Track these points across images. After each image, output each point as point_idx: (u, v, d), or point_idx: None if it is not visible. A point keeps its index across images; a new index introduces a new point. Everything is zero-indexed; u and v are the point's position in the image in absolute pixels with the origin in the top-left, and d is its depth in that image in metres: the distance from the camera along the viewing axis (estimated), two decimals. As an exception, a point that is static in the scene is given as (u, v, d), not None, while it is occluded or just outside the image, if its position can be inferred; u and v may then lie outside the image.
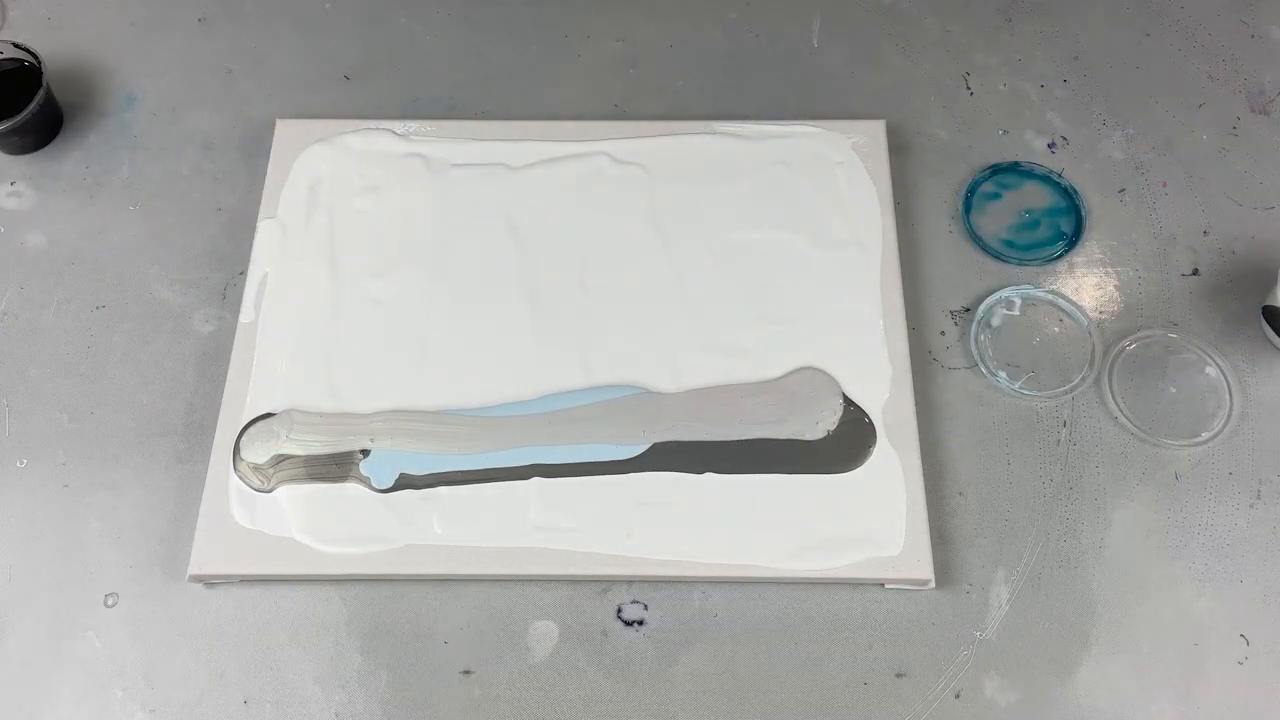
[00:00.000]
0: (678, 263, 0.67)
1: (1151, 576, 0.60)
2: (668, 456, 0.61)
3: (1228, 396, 0.64)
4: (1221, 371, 0.65)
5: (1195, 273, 0.69)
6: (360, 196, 0.70)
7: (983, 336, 0.66)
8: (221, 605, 0.60)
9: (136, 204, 0.72)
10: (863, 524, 0.59)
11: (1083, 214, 0.70)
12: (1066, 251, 0.69)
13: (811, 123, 0.72)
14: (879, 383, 0.63)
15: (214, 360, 0.66)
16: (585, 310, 0.66)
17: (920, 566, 0.58)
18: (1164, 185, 0.72)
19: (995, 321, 0.67)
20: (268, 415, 0.62)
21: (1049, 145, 0.74)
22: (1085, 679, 0.57)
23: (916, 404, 0.62)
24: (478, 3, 0.81)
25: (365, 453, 0.61)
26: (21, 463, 0.64)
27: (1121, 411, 0.64)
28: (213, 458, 0.61)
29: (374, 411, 0.62)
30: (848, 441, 0.61)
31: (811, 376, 0.63)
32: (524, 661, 0.58)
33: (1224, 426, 0.63)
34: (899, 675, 0.58)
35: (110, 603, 0.60)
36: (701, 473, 0.61)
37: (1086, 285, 0.68)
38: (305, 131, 0.72)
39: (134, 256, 0.70)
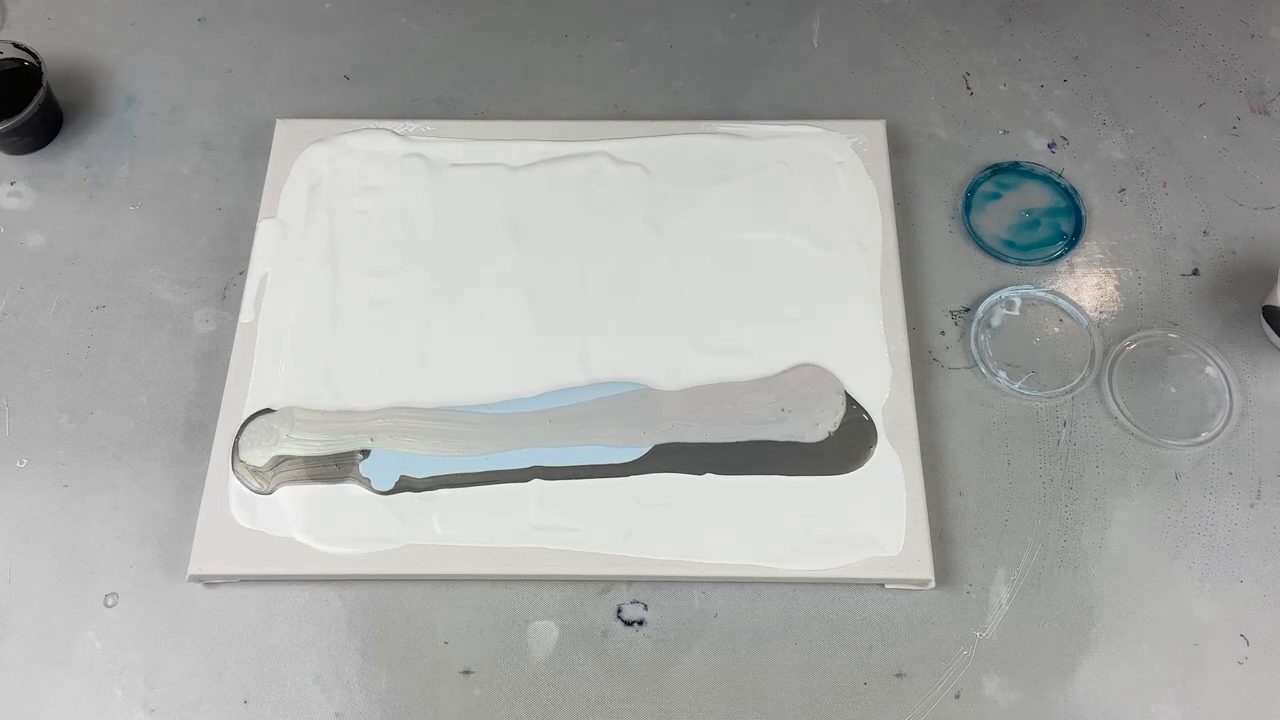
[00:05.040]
0: (678, 263, 0.67)
1: (1151, 576, 0.60)
2: (668, 458, 0.61)
3: (1228, 396, 0.64)
4: (1221, 371, 0.65)
5: (1195, 273, 0.69)
6: (360, 196, 0.70)
7: (983, 336, 0.66)
8: (221, 605, 0.60)
9: (136, 204, 0.72)
10: (863, 524, 0.59)
11: (1083, 214, 0.70)
12: (1066, 251, 0.69)
13: (811, 123, 0.72)
14: (879, 383, 0.63)
15: (214, 360, 0.66)
16: (585, 310, 0.66)
17: (920, 566, 0.58)
18: (1164, 185, 0.72)
19: (995, 321, 0.67)
20: (267, 411, 0.62)
21: (1049, 145, 0.74)
22: (1085, 679, 0.57)
23: (916, 404, 0.62)
24: (478, 3, 0.81)
25: (365, 453, 0.61)
26: (21, 463, 0.64)
27: (1121, 411, 0.64)
28: (213, 458, 0.61)
29: (374, 409, 0.62)
30: (848, 442, 0.61)
31: (811, 373, 0.63)
32: (524, 661, 0.58)
33: (1224, 426, 0.63)
34: (899, 675, 0.58)
35: (110, 603, 0.60)
36: (702, 474, 0.61)
37: (1086, 285, 0.68)
38: (305, 131, 0.72)
39: (134, 256, 0.70)
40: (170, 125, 0.75)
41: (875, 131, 0.71)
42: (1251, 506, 0.62)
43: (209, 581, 0.60)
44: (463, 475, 0.61)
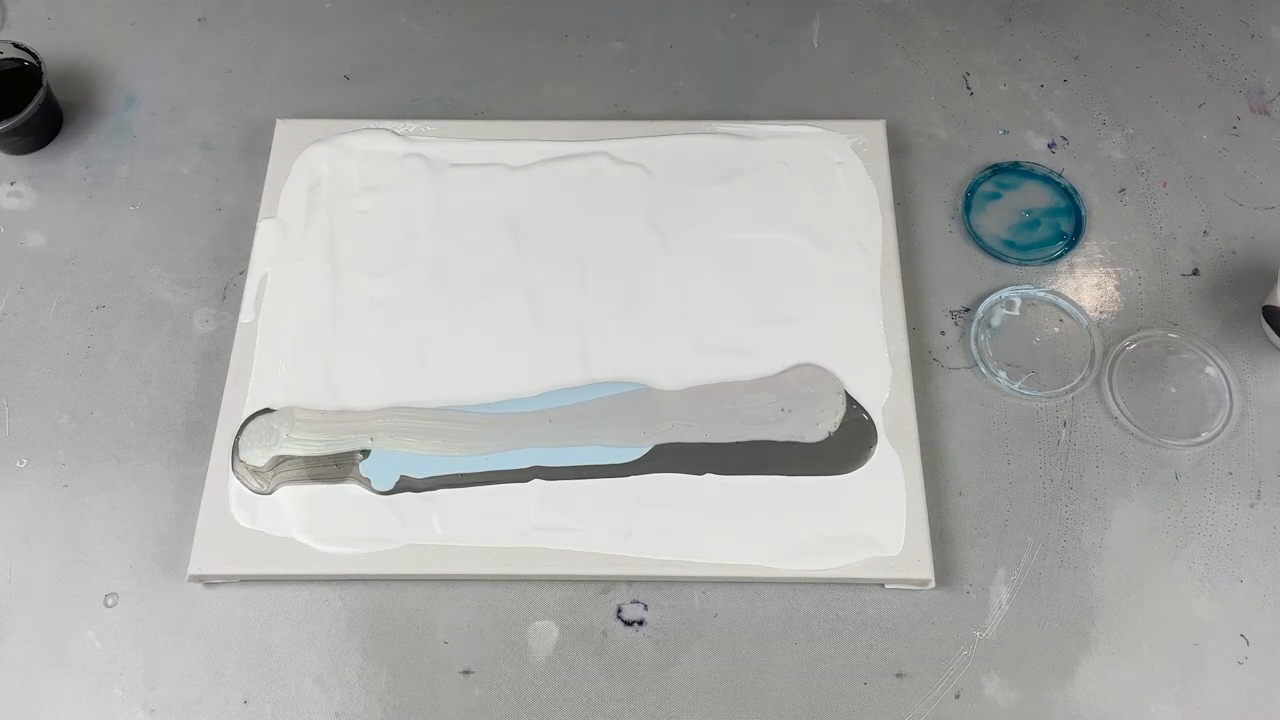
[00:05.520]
0: (678, 263, 0.67)
1: (1151, 576, 0.60)
2: (668, 458, 0.61)
3: (1228, 396, 0.64)
4: (1221, 371, 0.65)
5: (1195, 273, 0.69)
6: (360, 196, 0.70)
7: (983, 336, 0.66)
8: (221, 605, 0.60)
9: (136, 204, 0.72)
10: (863, 524, 0.59)
11: (1083, 214, 0.70)
12: (1066, 251, 0.69)
13: (811, 123, 0.72)
14: (879, 383, 0.63)
15: (214, 360, 0.66)
16: (585, 310, 0.66)
17: (920, 566, 0.58)
18: (1164, 185, 0.72)
19: (995, 321, 0.67)
20: (267, 410, 0.62)
21: (1049, 145, 0.74)
22: (1085, 679, 0.57)
23: (916, 404, 0.62)
24: (478, 3, 0.81)
25: (365, 453, 0.61)
26: (21, 463, 0.64)
27: (1121, 411, 0.64)
28: (213, 458, 0.61)
29: (374, 409, 0.62)
30: (848, 442, 0.61)
31: (811, 373, 0.63)
32: (524, 661, 0.58)
33: (1224, 426, 0.63)
34: (899, 675, 0.58)
35: (110, 603, 0.60)
36: (702, 474, 0.61)
37: (1086, 285, 0.68)
38: (305, 131, 0.72)
39: (134, 256, 0.70)
40: (170, 125, 0.75)
41: (875, 131, 0.71)
42: (1251, 506, 0.62)
43: (209, 581, 0.60)
44: (463, 475, 0.61)
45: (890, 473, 0.60)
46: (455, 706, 0.57)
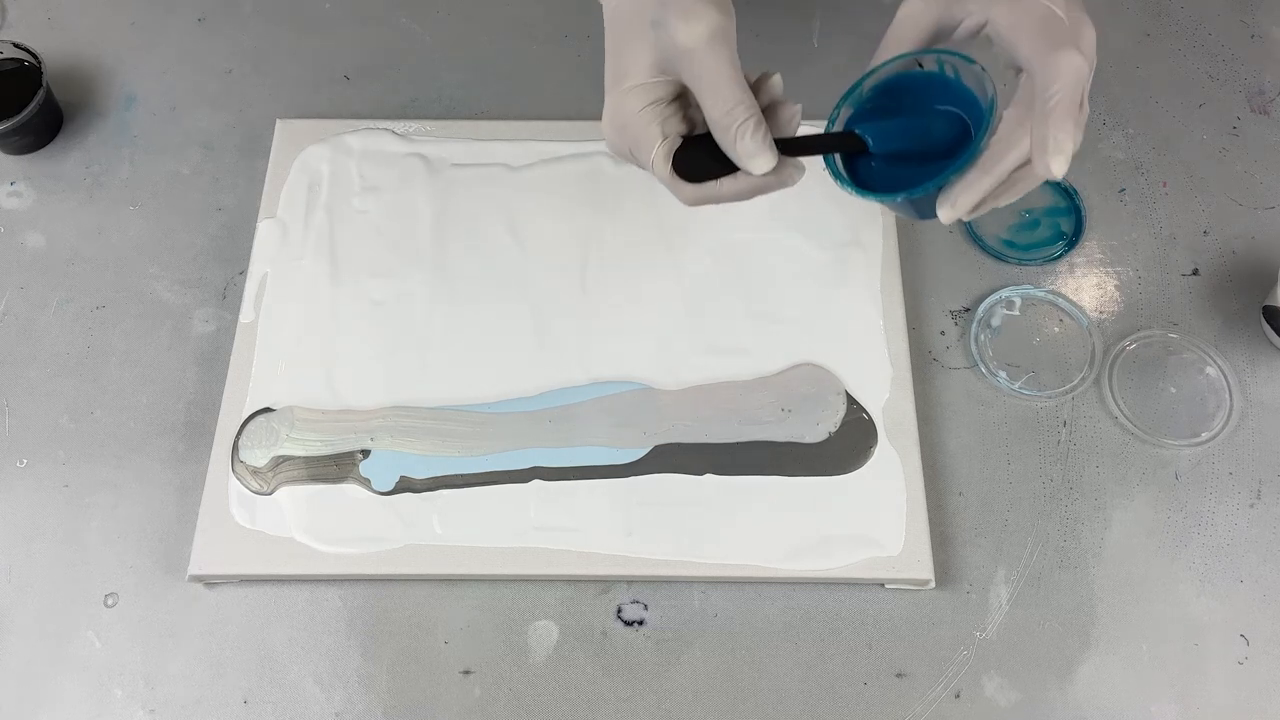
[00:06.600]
0: (678, 262, 0.67)
1: (1151, 576, 0.60)
2: (668, 458, 0.61)
3: (1228, 396, 0.64)
4: (1221, 371, 0.65)
5: (1195, 273, 0.69)
6: (360, 196, 0.69)
7: (983, 336, 0.66)
8: (221, 605, 0.60)
9: (136, 204, 0.72)
10: (863, 524, 0.59)
11: (1083, 214, 0.70)
12: (1066, 251, 0.69)
13: (812, 122, 0.72)
14: (879, 383, 0.63)
15: (214, 360, 0.66)
16: (585, 310, 0.66)
17: (920, 566, 0.58)
18: (1164, 185, 0.72)
19: (995, 321, 0.67)
20: (267, 410, 0.62)
21: (1049, 145, 0.73)
22: (1085, 679, 0.57)
23: (916, 404, 0.62)
24: (478, 3, 0.81)
25: (365, 454, 0.61)
26: (21, 463, 0.64)
27: (1121, 411, 0.64)
28: (213, 457, 0.61)
29: (374, 409, 0.62)
30: (848, 442, 0.61)
31: (811, 373, 0.63)
32: (524, 661, 0.58)
33: (1224, 426, 0.63)
34: (899, 675, 0.58)
35: (110, 603, 0.60)
36: (702, 474, 0.61)
37: (1086, 285, 0.68)
38: (305, 131, 0.72)
39: (134, 256, 0.70)
40: (170, 125, 0.75)
41: (875, 131, 0.71)
42: (1251, 506, 0.62)
43: (209, 581, 0.60)
44: (463, 475, 0.61)
45: (890, 473, 0.60)
46: (455, 706, 0.57)
